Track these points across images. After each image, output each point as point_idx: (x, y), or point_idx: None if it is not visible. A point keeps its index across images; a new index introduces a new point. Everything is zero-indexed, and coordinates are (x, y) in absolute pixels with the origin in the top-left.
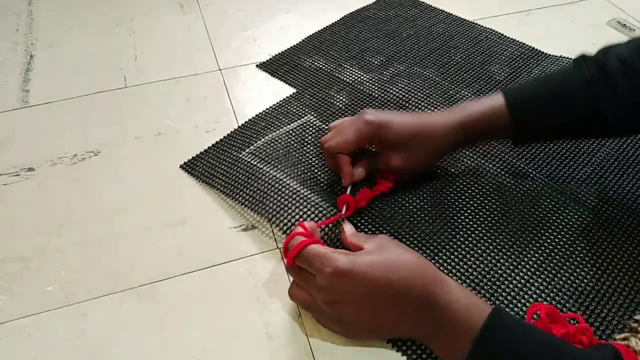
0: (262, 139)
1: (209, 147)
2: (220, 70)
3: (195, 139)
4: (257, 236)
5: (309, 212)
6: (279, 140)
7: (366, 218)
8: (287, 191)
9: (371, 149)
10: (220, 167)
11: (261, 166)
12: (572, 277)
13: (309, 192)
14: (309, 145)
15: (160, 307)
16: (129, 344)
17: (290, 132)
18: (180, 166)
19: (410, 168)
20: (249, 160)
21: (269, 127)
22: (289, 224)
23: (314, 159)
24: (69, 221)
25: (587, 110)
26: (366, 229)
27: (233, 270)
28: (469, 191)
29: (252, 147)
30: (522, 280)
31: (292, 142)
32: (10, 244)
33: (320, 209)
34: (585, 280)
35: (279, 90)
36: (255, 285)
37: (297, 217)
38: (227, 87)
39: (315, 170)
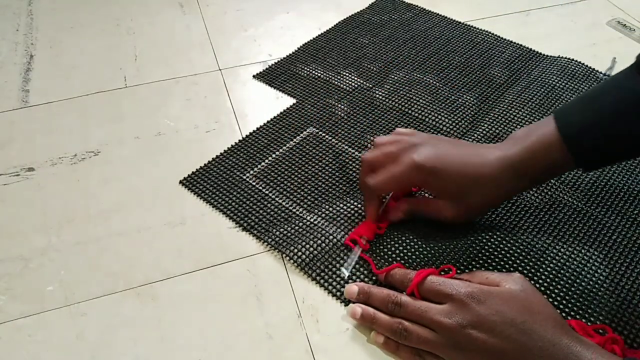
0: (266, 160)
1: (209, 162)
2: (220, 70)
3: (195, 139)
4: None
5: (318, 242)
6: (283, 161)
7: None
8: (295, 221)
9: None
10: (223, 188)
11: (267, 192)
12: (590, 284)
13: (317, 218)
14: (314, 160)
15: (160, 307)
16: (129, 344)
17: (294, 148)
18: (180, 182)
19: (462, 218)
20: (254, 184)
21: (272, 144)
22: (299, 253)
23: (319, 174)
24: (69, 221)
25: None
26: (385, 249)
27: (233, 270)
28: None
29: (256, 169)
30: (541, 289)
31: (297, 160)
32: (10, 244)
33: (331, 237)
34: (604, 286)
35: (279, 90)
36: (255, 285)
37: (306, 247)
38: (227, 87)
39: (322, 192)
